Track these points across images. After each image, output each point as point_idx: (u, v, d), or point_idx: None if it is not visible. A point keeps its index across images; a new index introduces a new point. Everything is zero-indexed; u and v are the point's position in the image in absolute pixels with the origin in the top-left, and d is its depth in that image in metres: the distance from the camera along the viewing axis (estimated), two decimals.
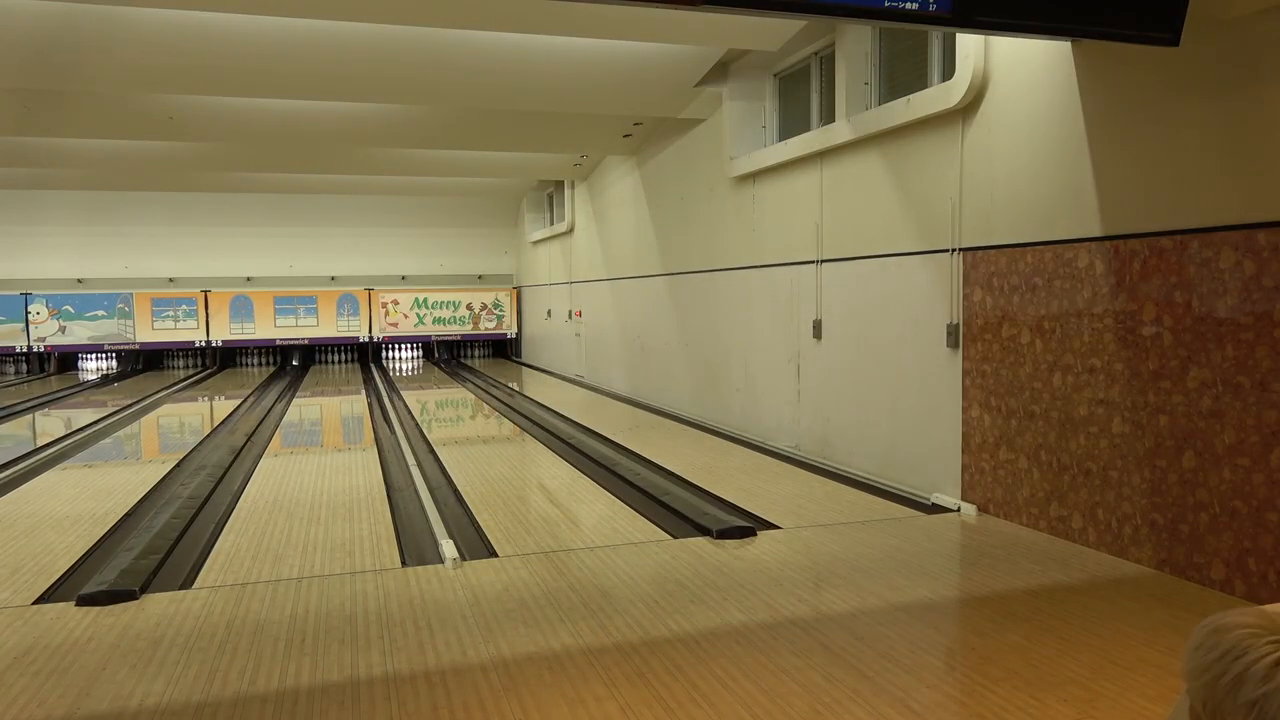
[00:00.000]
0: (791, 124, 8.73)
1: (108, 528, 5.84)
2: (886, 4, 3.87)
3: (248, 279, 18.80)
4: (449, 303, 19.68)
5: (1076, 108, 5.05)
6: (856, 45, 7.15)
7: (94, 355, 18.28)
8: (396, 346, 19.83)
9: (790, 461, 7.71)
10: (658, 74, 8.75)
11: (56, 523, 6.00)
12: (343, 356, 19.78)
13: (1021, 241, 5.46)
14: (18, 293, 17.56)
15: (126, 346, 18.11)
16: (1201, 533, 4.38)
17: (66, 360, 18.25)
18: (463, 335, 19.77)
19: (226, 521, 5.97)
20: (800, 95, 8.56)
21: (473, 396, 13.56)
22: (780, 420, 8.35)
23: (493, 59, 7.97)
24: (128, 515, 6.18)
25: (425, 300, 19.54)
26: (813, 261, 7.73)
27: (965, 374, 5.98)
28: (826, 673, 3.47)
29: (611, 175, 13.50)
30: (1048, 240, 5.26)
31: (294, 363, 19.16)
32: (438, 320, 19.55)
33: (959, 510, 5.92)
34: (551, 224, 17.93)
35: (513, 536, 5.57)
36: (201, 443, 9.30)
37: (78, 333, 17.82)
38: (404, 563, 5.03)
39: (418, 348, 19.99)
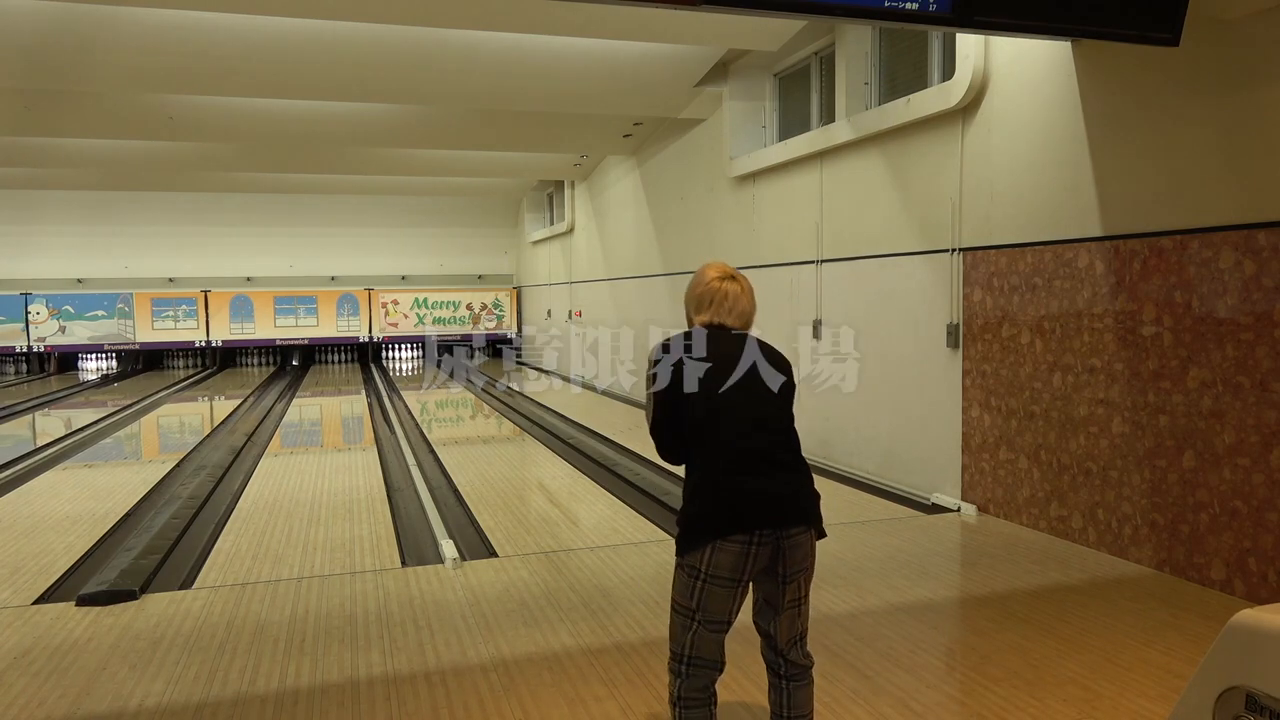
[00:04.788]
0: (791, 124, 8.73)
1: (108, 528, 5.84)
2: (886, 4, 3.87)
3: (248, 279, 18.80)
4: (449, 303, 19.69)
5: (1076, 108, 5.05)
6: (856, 45, 7.15)
7: (94, 355, 18.28)
8: (396, 346, 19.84)
9: None
10: (658, 74, 8.75)
11: (56, 523, 6.00)
12: (343, 356, 19.78)
13: (1021, 241, 5.46)
14: (18, 293, 17.56)
15: (126, 346, 18.11)
16: (1201, 533, 4.38)
17: (66, 360, 18.25)
18: (462, 335, 19.78)
19: (226, 522, 5.97)
20: (800, 95, 8.56)
21: (473, 396, 13.56)
22: None
23: (493, 59, 7.97)
24: (128, 515, 6.19)
25: (425, 300, 19.54)
26: (813, 261, 7.73)
27: (965, 374, 5.98)
28: (826, 673, 3.47)
29: (611, 175, 13.49)
30: (1048, 240, 5.26)
31: (294, 363, 19.16)
32: (438, 320, 19.55)
33: (959, 510, 5.92)
34: (551, 224, 17.93)
35: (513, 537, 5.57)
36: (201, 443, 9.30)
37: (78, 333, 17.82)
38: (404, 563, 5.03)
39: (418, 347, 20.00)
